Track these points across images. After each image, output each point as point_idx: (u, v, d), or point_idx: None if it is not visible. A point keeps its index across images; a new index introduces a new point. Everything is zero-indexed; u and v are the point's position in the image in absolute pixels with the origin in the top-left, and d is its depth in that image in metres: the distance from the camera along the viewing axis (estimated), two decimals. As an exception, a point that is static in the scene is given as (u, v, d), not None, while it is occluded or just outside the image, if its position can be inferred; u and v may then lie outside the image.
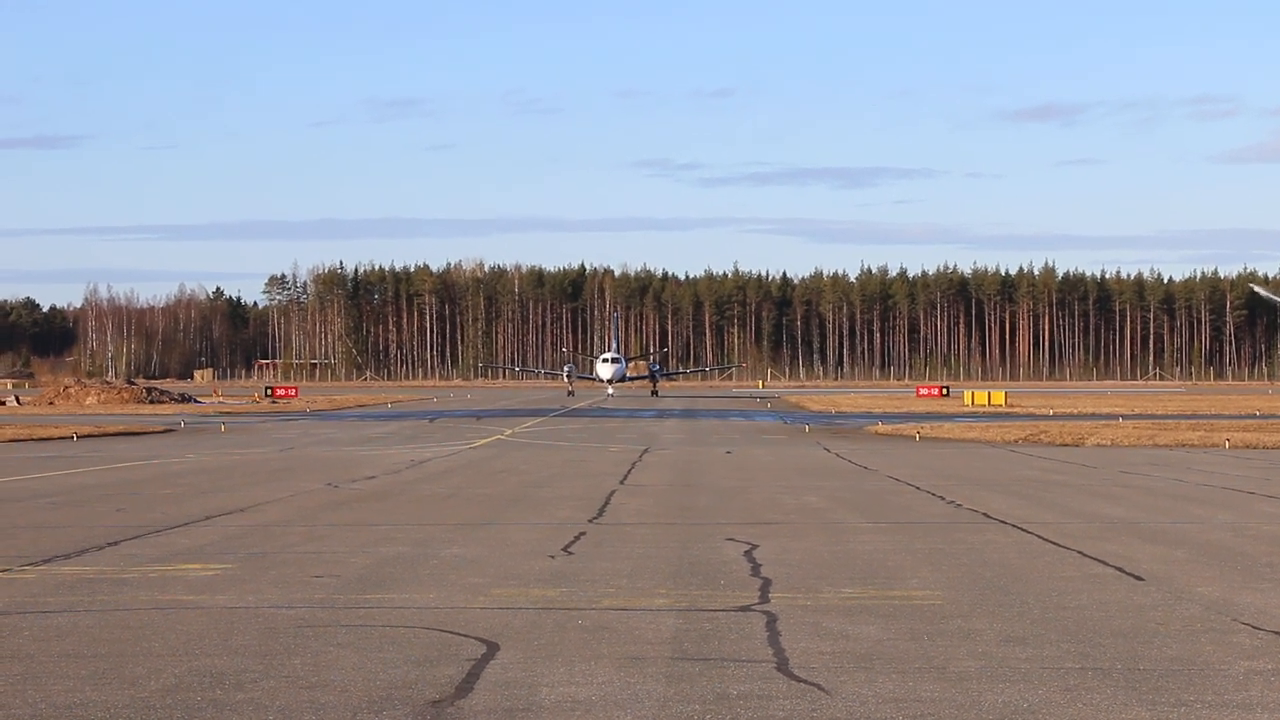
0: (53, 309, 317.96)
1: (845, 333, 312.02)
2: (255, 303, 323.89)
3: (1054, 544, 25.31)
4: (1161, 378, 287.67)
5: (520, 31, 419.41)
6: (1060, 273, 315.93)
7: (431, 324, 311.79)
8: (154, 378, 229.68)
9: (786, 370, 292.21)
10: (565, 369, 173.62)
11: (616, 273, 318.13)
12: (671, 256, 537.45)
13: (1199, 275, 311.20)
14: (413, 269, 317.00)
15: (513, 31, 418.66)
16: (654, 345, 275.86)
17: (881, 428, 76.00)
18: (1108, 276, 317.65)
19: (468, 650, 15.47)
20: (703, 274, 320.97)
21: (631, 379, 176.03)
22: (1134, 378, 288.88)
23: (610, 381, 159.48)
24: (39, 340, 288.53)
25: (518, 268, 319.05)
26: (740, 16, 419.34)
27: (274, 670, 14.51)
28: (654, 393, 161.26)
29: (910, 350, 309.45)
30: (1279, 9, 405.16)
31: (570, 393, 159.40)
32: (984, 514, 30.80)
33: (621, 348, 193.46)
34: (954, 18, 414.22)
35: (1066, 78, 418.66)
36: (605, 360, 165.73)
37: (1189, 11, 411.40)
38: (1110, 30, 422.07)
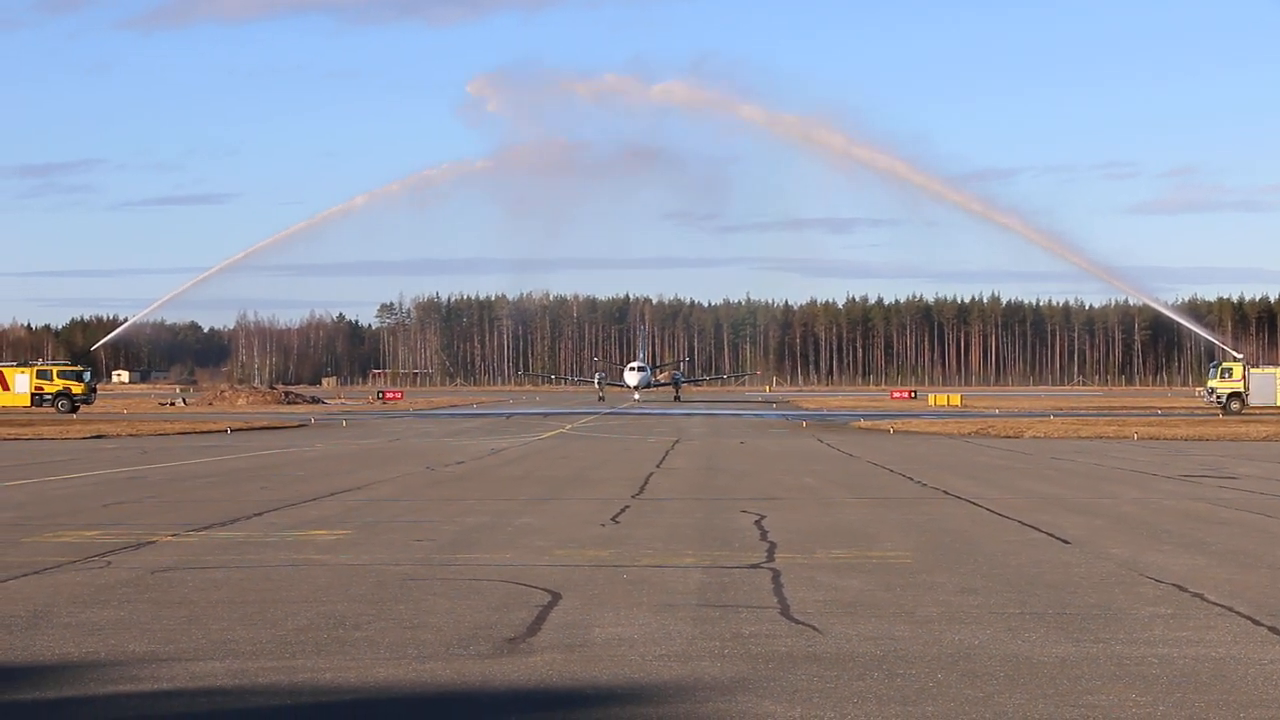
0: (211, 330, 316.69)
1: (834, 349, 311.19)
2: (370, 325, 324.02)
3: (999, 515, 25.22)
4: (1084, 384, 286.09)
5: (565, 120, 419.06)
6: (1004, 301, 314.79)
7: (508, 341, 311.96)
8: (290, 384, 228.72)
9: (788, 378, 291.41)
10: (596, 376, 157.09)
11: (654, 301, 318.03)
12: (697, 288, 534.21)
13: (1113, 303, 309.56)
14: (494, 298, 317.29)
15: (568, 120, 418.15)
16: (683, 359, 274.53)
17: (863, 423, 75.78)
18: (1042, 304, 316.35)
19: (536, 599, 15.46)
20: (722, 302, 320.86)
21: (657, 385, 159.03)
22: (1062, 384, 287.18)
23: (636, 388, 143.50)
24: (200, 355, 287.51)
25: (576, 297, 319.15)
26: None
27: (384, 614, 14.53)
28: (676, 398, 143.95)
29: (886, 362, 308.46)
30: (1168, 91, 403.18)
31: (601, 398, 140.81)
32: (944, 491, 30.70)
33: (649, 358, 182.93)
34: (913, 103, 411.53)
35: (1002, 147, 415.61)
36: (632, 368, 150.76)
37: (1100, 91, 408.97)
38: (1034, 107, 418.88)
